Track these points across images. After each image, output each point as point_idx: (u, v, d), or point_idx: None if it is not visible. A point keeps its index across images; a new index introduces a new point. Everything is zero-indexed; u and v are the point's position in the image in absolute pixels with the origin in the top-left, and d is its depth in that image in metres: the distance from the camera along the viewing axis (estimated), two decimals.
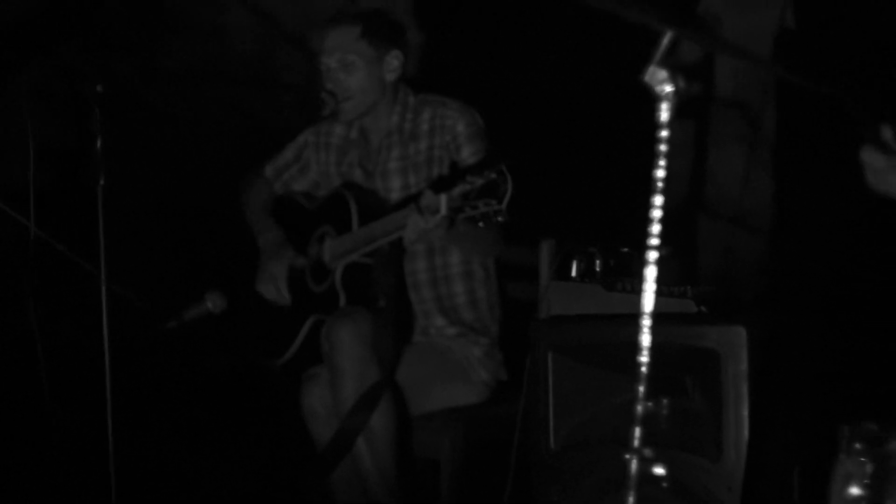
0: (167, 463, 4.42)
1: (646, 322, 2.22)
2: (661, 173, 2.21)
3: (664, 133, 2.19)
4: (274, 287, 3.99)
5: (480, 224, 3.35)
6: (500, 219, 3.28)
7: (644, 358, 2.23)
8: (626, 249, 3.74)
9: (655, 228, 2.22)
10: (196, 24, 5.46)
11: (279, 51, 5.33)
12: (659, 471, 2.29)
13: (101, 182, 3.32)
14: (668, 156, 2.18)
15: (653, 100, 2.17)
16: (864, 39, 4.48)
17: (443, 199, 3.40)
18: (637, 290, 2.23)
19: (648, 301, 2.23)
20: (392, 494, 3.66)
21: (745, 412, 3.05)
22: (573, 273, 3.76)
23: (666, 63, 2.14)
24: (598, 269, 3.74)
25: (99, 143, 3.32)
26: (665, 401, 3.24)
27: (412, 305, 3.99)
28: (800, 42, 4.75)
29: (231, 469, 4.50)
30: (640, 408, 2.25)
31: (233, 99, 5.07)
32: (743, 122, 5.00)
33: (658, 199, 2.21)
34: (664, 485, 3.01)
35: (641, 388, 2.24)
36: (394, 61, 3.92)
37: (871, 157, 2.43)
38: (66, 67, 3.35)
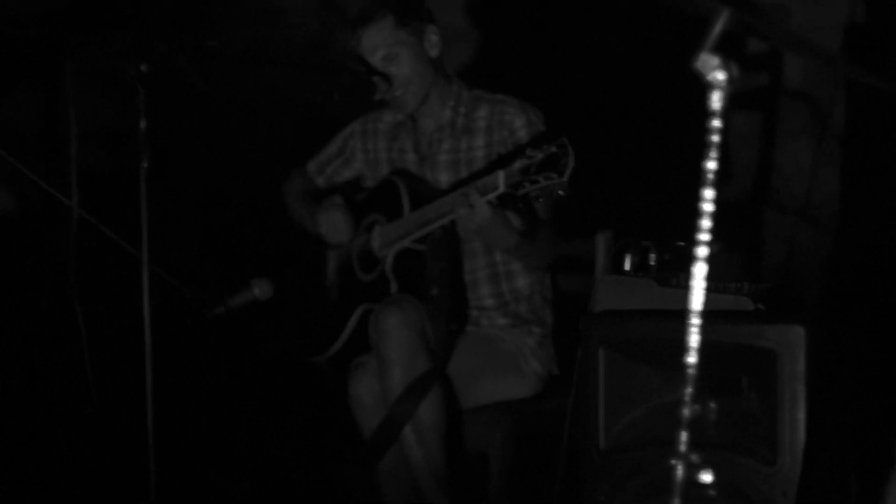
0: (210, 452, 4.39)
1: (694, 321, 2.13)
2: (712, 165, 2.11)
3: (716, 123, 2.09)
4: (337, 230, 3.95)
5: (540, 200, 3.28)
6: (560, 192, 3.21)
7: (692, 359, 2.14)
8: (681, 243, 3.66)
9: (706, 223, 2.12)
10: (255, 4, 5.44)
11: (340, 35, 5.29)
12: (706, 477, 2.20)
13: (145, 164, 3.26)
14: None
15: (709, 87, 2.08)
16: None
17: (501, 174, 3.33)
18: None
19: (697, 298, 2.13)
20: (441, 487, 3.61)
21: (802, 415, 2.97)
22: (626, 267, 3.69)
23: (718, 49, 2.05)
24: (652, 263, 3.66)
25: (143, 125, 3.26)
26: (713, 404, 3.15)
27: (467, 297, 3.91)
28: (870, 37, 4.65)
29: (276, 458, 4.47)
30: (686, 411, 2.16)
31: (288, 83, 5.04)
32: (811, 116, 4.91)
33: (709, 192, 2.11)
34: (711, 492, 2.93)
35: (688, 390, 2.15)
36: (432, 37, 3.88)
37: None
38: (116, 48, 3.30)
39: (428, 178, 3.92)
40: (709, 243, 2.12)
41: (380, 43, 3.82)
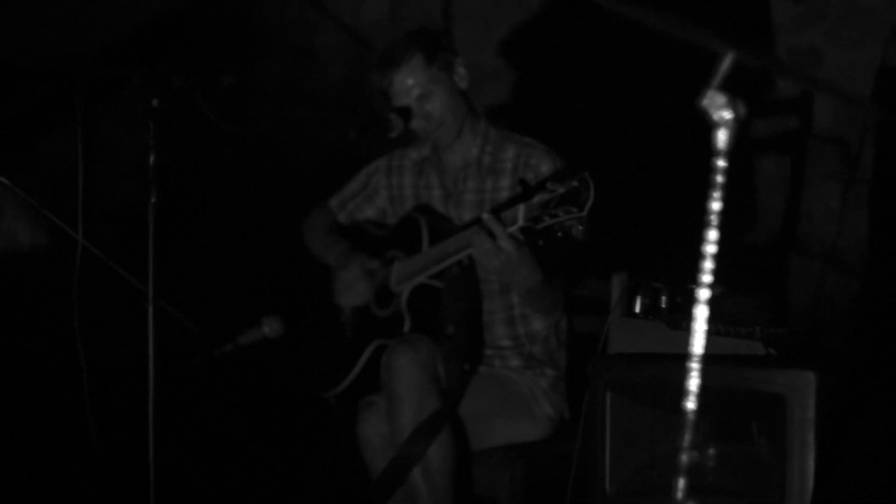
0: (215, 490, 4.35)
1: (696, 365, 2.09)
2: (716, 206, 2.06)
3: (721, 163, 2.05)
4: (352, 293, 3.89)
5: (559, 234, 3.23)
6: (580, 227, 3.16)
7: (691, 404, 2.09)
8: (693, 286, 3.60)
9: (709, 265, 2.08)
10: (291, 43, 5.44)
11: (370, 74, 5.31)
12: None
13: (153, 199, 3.24)
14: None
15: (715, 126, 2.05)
16: None
17: (521, 208, 3.29)
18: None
19: (699, 342, 2.09)
20: None
21: (811, 462, 2.94)
22: (637, 309, 3.64)
23: (725, 88, 2.01)
24: (663, 305, 3.62)
25: (152, 160, 3.25)
26: (718, 450, 3.10)
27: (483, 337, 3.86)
28: None
29: (282, 496, 4.43)
30: (685, 457, 2.11)
31: (309, 120, 5.03)
32: (840, 159, 4.87)
33: (712, 234, 2.07)
34: None
35: (687, 436, 2.10)
36: (461, 69, 3.84)
37: None
38: (133, 83, 3.30)
39: (452, 216, 3.88)
40: (711, 286, 2.08)
41: (412, 84, 3.77)
